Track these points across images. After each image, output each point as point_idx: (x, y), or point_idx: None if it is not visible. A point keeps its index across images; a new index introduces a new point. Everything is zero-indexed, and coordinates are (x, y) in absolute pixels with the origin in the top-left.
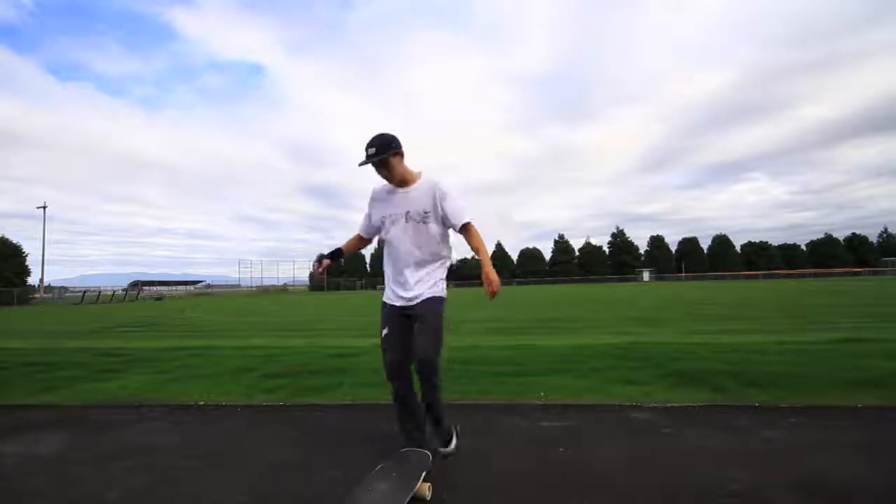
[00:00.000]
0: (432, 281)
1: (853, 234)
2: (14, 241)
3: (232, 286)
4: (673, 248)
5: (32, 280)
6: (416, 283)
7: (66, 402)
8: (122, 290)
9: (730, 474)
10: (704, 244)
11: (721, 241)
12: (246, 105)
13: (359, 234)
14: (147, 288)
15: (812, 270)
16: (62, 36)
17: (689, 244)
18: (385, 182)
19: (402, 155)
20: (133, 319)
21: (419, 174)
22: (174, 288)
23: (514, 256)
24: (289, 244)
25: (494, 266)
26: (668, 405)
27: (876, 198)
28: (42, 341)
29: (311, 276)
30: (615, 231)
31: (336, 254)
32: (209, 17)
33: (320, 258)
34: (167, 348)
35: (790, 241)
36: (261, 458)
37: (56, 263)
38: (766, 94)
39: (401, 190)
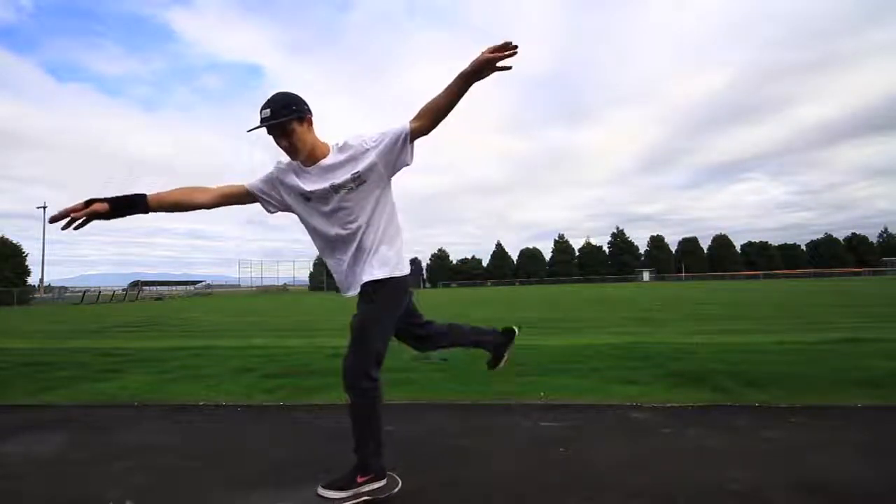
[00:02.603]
0: (378, 262)
1: (853, 234)
2: (14, 241)
3: (232, 286)
4: (673, 248)
5: (32, 280)
6: (372, 260)
7: (66, 402)
8: (122, 290)
9: (730, 474)
10: (704, 244)
11: (721, 241)
12: (244, 105)
13: (243, 186)
14: (147, 288)
15: (812, 270)
16: (61, 37)
17: (689, 244)
18: (289, 163)
19: (309, 122)
20: (133, 319)
21: (332, 146)
22: (174, 288)
23: (514, 256)
24: (289, 244)
25: (495, 266)
26: (668, 405)
27: (876, 198)
28: (42, 341)
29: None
30: (615, 231)
31: (129, 202)
32: (207, 19)
33: (90, 202)
34: (167, 348)
35: (790, 241)
36: (261, 458)
37: (56, 263)
38: (765, 95)
39: (312, 168)
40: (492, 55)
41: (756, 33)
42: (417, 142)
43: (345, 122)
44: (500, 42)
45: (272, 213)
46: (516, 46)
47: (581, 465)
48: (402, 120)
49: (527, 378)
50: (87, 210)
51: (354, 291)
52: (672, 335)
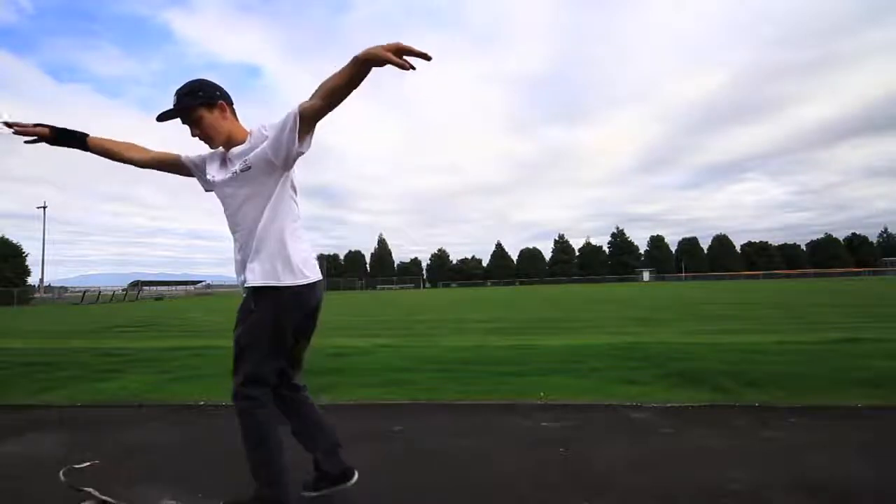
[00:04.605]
0: (270, 263)
1: (853, 234)
2: (14, 241)
3: (232, 286)
4: (673, 248)
5: (32, 280)
6: (253, 262)
7: (66, 402)
8: (122, 290)
9: (730, 474)
10: (704, 244)
11: (721, 241)
12: (244, 106)
13: (179, 156)
14: (147, 288)
15: (812, 270)
16: (60, 38)
17: (689, 244)
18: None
19: (221, 108)
20: (133, 319)
21: (249, 134)
22: (174, 288)
23: (514, 256)
24: None
25: (495, 266)
26: (668, 405)
27: (876, 198)
28: (42, 341)
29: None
30: (615, 231)
31: (76, 137)
32: (206, 19)
33: (38, 124)
34: (167, 348)
35: (790, 241)
36: None
37: (56, 263)
38: (765, 95)
39: (227, 154)
40: (390, 55)
41: (756, 33)
42: (413, 142)
43: (345, 122)
44: (410, 45)
45: (207, 190)
46: (426, 56)
47: (581, 465)
48: (290, 107)
49: (527, 378)
50: (34, 130)
51: (245, 283)
52: (672, 335)
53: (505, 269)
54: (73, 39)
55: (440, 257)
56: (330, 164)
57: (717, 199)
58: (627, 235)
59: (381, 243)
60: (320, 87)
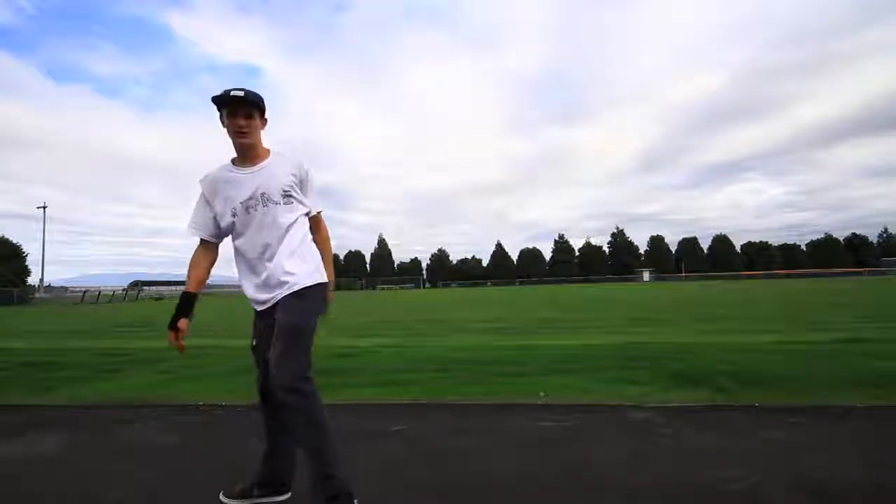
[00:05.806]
0: (295, 274)
1: (853, 234)
2: (14, 241)
3: (232, 286)
4: (673, 248)
5: (32, 280)
6: (276, 278)
7: (66, 402)
8: (122, 290)
9: (730, 474)
10: (704, 244)
11: (721, 241)
12: None
13: (202, 243)
14: (147, 288)
15: (812, 270)
16: (60, 38)
17: (689, 244)
18: (218, 169)
19: (264, 123)
20: (133, 319)
21: (274, 153)
22: (174, 288)
23: (514, 256)
24: None
25: (495, 266)
26: (668, 405)
27: (875, 198)
28: (42, 341)
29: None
30: (615, 231)
31: (190, 303)
32: (205, 20)
33: (173, 324)
34: (167, 348)
35: (790, 241)
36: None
37: (56, 263)
38: (763, 95)
39: (246, 169)
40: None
41: (756, 33)
42: (413, 142)
43: (344, 123)
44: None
45: (228, 233)
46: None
47: (581, 465)
48: (319, 205)
49: (527, 378)
50: (179, 332)
51: (264, 296)
52: (672, 335)
53: (505, 269)
54: (73, 40)
55: (440, 257)
56: (330, 163)
57: (717, 199)
58: (627, 235)
59: (381, 243)
60: (325, 245)
